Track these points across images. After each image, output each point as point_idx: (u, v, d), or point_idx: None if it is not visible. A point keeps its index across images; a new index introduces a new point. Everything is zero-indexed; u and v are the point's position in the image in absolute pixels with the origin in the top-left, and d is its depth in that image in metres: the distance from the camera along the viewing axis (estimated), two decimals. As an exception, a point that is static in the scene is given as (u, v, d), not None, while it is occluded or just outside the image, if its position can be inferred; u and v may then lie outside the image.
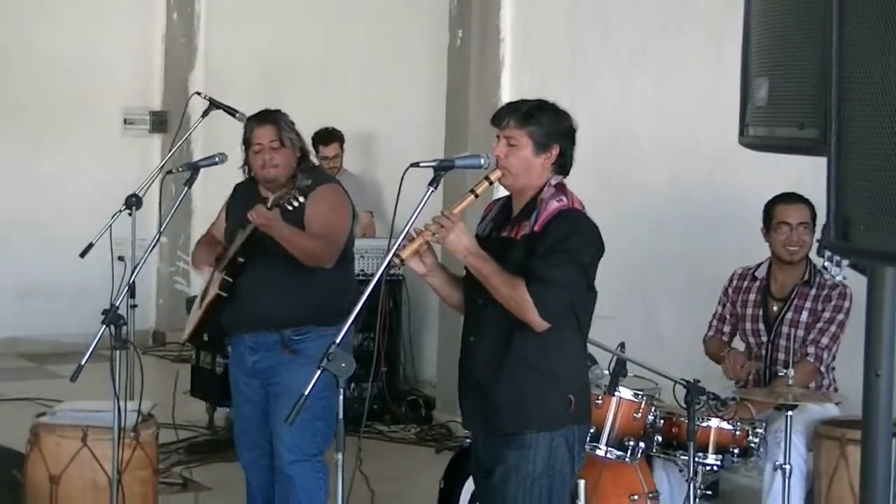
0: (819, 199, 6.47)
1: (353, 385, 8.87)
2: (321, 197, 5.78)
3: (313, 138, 9.37)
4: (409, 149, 9.52)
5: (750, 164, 7.05)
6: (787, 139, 2.65)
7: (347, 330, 4.21)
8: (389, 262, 4.36)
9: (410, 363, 9.98)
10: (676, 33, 8.11)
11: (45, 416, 6.10)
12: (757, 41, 2.77)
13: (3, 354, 11.83)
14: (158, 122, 12.92)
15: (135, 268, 5.77)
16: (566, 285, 4.48)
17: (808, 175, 6.05)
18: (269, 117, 5.97)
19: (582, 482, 4.97)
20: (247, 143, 5.95)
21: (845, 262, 2.52)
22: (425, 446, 8.95)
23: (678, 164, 8.08)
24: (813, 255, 6.39)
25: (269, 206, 5.59)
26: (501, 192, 4.88)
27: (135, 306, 6.31)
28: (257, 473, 6.04)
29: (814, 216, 6.35)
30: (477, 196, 4.50)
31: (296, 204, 5.54)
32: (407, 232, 4.39)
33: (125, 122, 12.86)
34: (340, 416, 4.17)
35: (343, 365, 4.12)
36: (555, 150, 4.60)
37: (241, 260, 5.84)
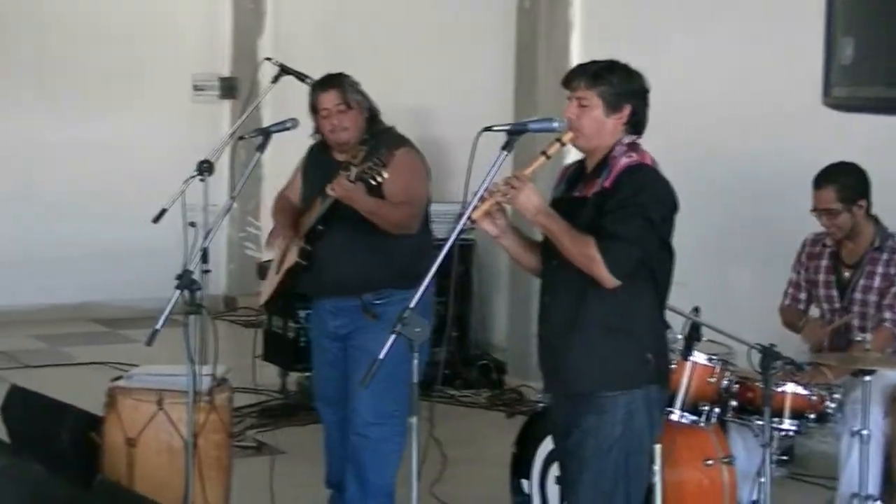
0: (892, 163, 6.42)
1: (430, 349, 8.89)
2: (398, 163, 5.75)
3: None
4: (477, 112, 9.47)
5: (825, 125, 7.00)
6: (874, 99, 2.61)
7: (424, 293, 4.20)
8: (462, 225, 4.36)
9: (481, 327, 9.98)
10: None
11: (121, 380, 6.14)
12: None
13: (76, 319, 11.94)
14: (227, 88, 12.95)
15: (208, 233, 5.78)
16: (636, 241, 4.45)
17: (882, 137, 5.99)
18: (332, 81, 6.01)
19: (658, 447, 4.94)
20: (313, 109, 6.00)
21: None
22: (496, 411, 8.95)
23: (751, 126, 8.00)
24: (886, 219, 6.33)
25: (351, 178, 5.58)
26: (572, 155, 4.85)
27: (208, 271, 6.31)
28: (340, 436, 6.08)
29: (855, 192, 6.25)
30: (548, 157, 4.50)
31: (379, 179, 5.53)
32: (479, 194, 4.38)
33: (194, 88, 12.91)
34: (415, 380, 4.17)
35: (417, 329, 4.12)
36: (626, 110, 4.58)
37: (321, 228, 5.86)
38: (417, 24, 11.09)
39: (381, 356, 4.09)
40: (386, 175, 5.55)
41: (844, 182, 6.27)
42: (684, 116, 8.23)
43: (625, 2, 9.00)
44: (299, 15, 12.57)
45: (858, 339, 5.89)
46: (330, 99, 5.92)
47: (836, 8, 2.43)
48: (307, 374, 9.00)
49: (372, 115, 6.01)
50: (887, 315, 6.22)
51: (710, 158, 8.24)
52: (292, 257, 6.00)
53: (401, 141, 6.00)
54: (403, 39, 11.20)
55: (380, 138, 5.90)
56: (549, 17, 9.34)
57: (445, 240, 4.32)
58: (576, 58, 9.02)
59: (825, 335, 6.34)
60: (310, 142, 6.27)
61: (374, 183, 5.55)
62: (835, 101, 2.47)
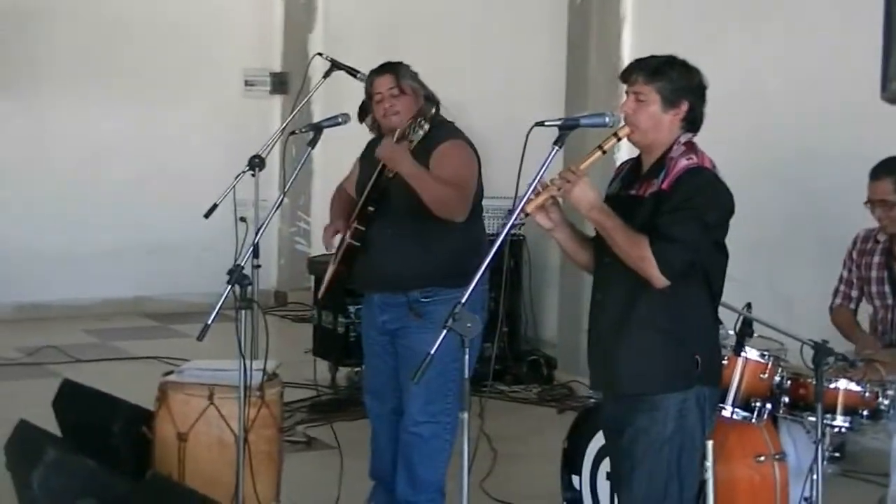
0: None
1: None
2: (447, 151, 5.76)
3: None
4: (529, 106, 9.47)
5: (880, 120, 6.94)
6: (932, 93, 2.57)
7: (477, 287, 4.18)
8: (515, 218, 4.33)
9: (531, 323, 9.96)
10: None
11: (172, 375, 6.17)
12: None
13: (128, 314, 12.02)
14: (278, 83, 12.99)
15: (259, 228, 5.79)
16: (689, 243, 4.43)
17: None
18: (387, 66, 6.00)
19: (710, 443, 4.90)
20: (368, 96, 5.99)
21: None
22: (547, 406, 8.93)
23: (807, 122, 7.95)
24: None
25: (394, 139, 5.58)
26: (624, 151, 4.83)
27: (258, 266, 6.33)
28: (387, 429, 6.07)
29: None
30: (604, 152, 4.48)
31: (420, 133, 5.55)
32: (533, 187, 4.36)
33: (246, 83, 12.95)
34: (466, 375, 4.16)
35: (469, 325, 4.09)
36: (684, 106, 4.56)
37: (371, 209, 5.84)
38: (469, 19, 11.09)
39: (433, 351, 4.06)
40: (427, 127, 5.58)
41: None
42: (737, 112, 8.18)
43: (677, -2, 8.98)
44: (350, 10, 12.59)
45: (912, 335, 5.84)
46: (384, 83, 5.90)
47: (895, 3, 2.39)
48: (357, 369, 9.02)
49: (427, 103, 5.96)
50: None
51: (763, 153, 8.20)
52: (347, 240, 5.98)
53: (454, 133, 5.97)
54: (455, 35, 11.19)
55: (434, 127, 5.86)
56: (600, 12, 9.32)
57: (496, 234, 4.30)
58: (627, 53, 8.99)
59: (877, 349, 6.29)
60: (361, 135, 6.26)
61: (413, 139, 5.57)
62: (892, 96, 2.43)
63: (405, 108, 5.86)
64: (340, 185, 6.34)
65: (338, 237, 6.05)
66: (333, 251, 6.09)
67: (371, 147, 6.11)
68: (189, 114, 12.41)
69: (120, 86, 12.06)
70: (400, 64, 6.01)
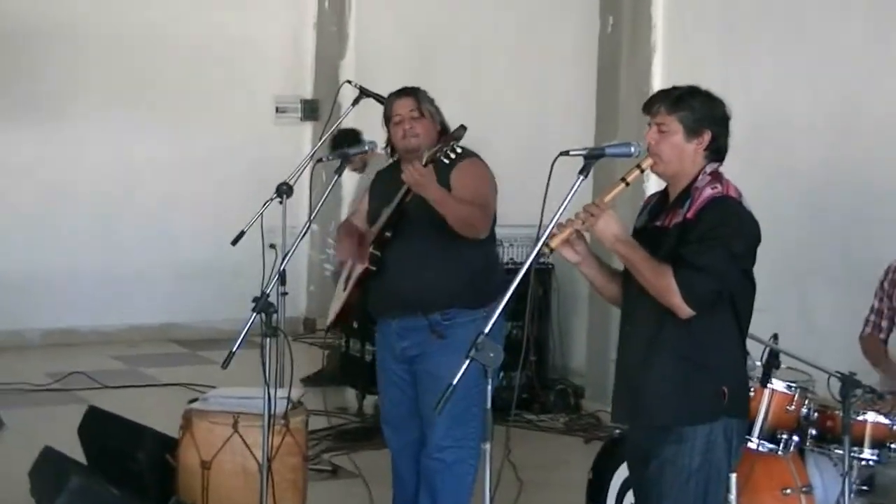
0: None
1: (501, 374, 8.84)
2: (466, 170, 5.77)
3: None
4: (559, 135, 9.47)
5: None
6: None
7: (497, 319, 4.16)
8: (539, 251, 4.32)
9: (559, 352, 9.93)
10: (836, 9, 7.96)
11: (197, 403, 6.17)
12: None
13: (156, 340, 12.04)
14: (309, 109, 13.03)
15: (285, 255, 5.79)
16: (714, 272, 4.41)
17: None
18: (407, 90, 6.02)
19: (733, 476, 4.86)
20: (387, 118, 5.99)
21: None
22: (574, 436, 8.90)
23: (834, 145, 7.92)
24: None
25: (423, 162, 5.59)
26: (652, 182, 4.81)
27: (286, 294, 6.33)
28: (407, 459, 6.04)
29: None
30: (627, 184, 4.46)
31: (452, 156, 5.55)
32: (556, 220, 4.35)
33: (277, 110, 12.99)
34: (489, 406, 4.14)
35: (491, 354, 4.07)
36: (707, 136, 4.54)
37: (388, 235, 5.84)
38: (500, 47, 11.09)
39: (455, 382, 4.04)
40: (459, 150, 5.58)
41: None
42: (767, 139, 8.17)
43: (708, 25, 8.94)
44: (382, 38, 12.62)
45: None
46: (404, 105, 5.92)
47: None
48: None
49: (443, 129, 5.97)
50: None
51: (791, 181, 8.17)
52: (361, 266, 5.97)
53: (469, 153, 5.98)
54: (485, 63, 11.21)
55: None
56: (630, 41, 9.31)
57: (521, 263, 4.28)
58: (658, 81, 8.98)
59: None
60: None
61: (446, 161, 5.57)
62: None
63: (424, 131, 5.87)
64: (347, 218, 6.34)
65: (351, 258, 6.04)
66: (343, 276, 6.10)
67: (381, 177, 6.12)
68: (220, 140, 12.45)
69: (151, 111, 12.12)
70: (419, 88, 6.03)
